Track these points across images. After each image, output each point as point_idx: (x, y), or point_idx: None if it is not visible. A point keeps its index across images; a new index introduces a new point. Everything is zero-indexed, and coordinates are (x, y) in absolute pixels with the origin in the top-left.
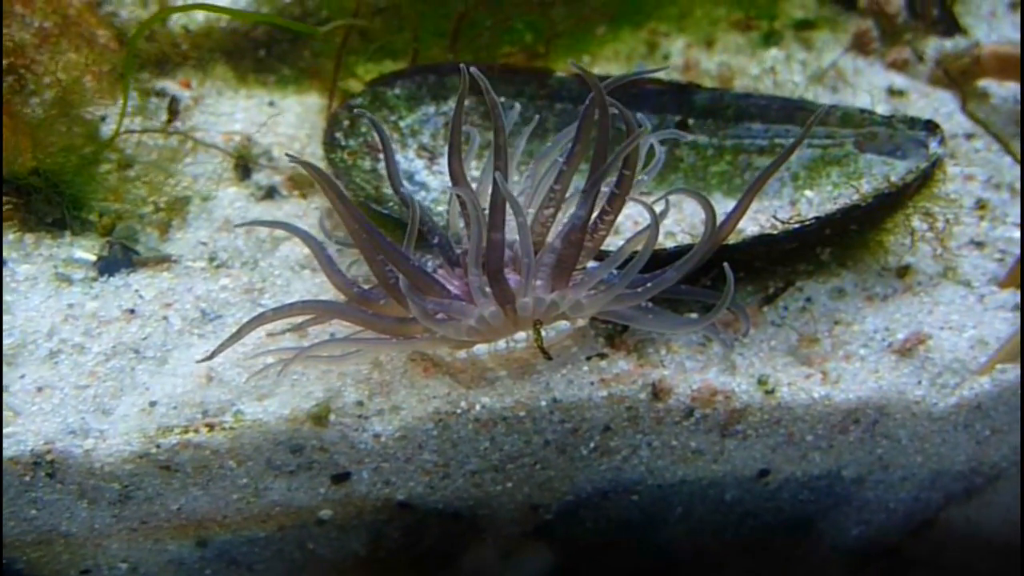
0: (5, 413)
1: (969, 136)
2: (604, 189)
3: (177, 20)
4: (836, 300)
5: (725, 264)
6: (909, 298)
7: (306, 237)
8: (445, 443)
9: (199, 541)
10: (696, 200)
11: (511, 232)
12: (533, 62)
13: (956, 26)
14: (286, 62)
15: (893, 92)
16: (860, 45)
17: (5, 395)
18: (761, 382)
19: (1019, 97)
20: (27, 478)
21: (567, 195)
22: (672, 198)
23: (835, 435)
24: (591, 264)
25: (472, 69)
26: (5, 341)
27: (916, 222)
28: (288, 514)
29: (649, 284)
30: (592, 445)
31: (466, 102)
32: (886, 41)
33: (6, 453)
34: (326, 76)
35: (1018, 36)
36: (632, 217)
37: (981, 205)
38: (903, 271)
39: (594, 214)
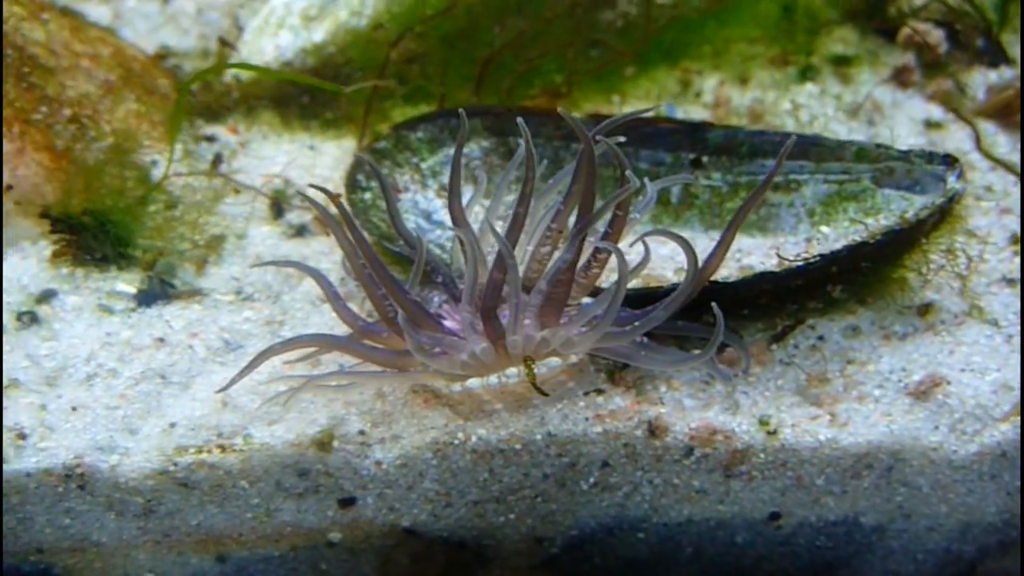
0: (42, 430)
1: (1009, 169)
2: (600, 227)
3: (231, 72)
4: (850, 339)
5: (713, 304)
6: (930, 337)
7: (314, 274)
8: (445, 472)
9: (219, 556)
10: (675, 241)
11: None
12: (557, 102)
13: (1003, 56)
14: (328, 107)
15: (931, 124)
16: (900, 78)
17: (44, 413)
18: (763, 422)
19: None
20: (60, 489)
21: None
22: (687, 234)
23: (847, 480)
24: (585, 300)
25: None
26: (48, 365)
27: (936, 257)
28: (300, 535)
29: (637, 323)
30: (592, 480)
31: (485, 143)
32: (927, 73)
33: (40, 465)
34: (360, 121)
35: None
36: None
37: (1015, 240)
38: (925, 309)
39: (585, 256)
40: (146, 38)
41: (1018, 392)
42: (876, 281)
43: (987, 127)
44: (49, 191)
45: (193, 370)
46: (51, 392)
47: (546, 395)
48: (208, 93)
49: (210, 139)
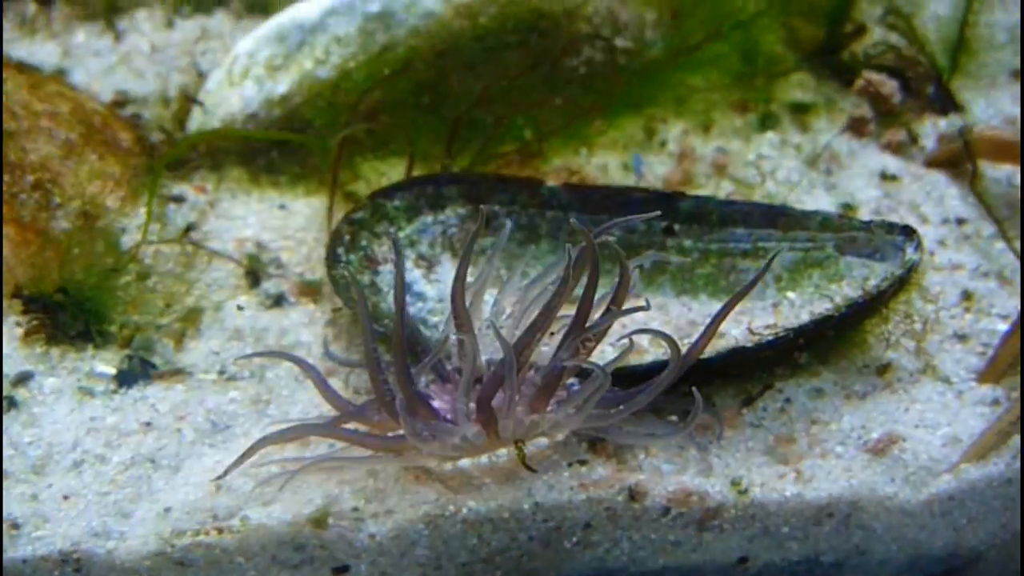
0: (36, 519)
1: (960, 221)
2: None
3: (194, 121)
4: (815, 399)
5: (694, 388)
6: (887, 395)
7: (301, 364)
8: (436, 540)
9: None
10: (661, 339)
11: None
12: (529, 160)
13: (952, 103)
14: (295, 161)
15: (886, 177)
16: (856, 127)
17: (35, 503)
18: (734, 483)
19: (1014, 180)
20: (56, 573)
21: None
22: (659, 299)
23: (810, 527)
24: (570, 381)
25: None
26: (34, 453)
27: (893, 325)
28: None
29: (622, 407)
30: (575, 539)
31: (462, 210)
32: (881, 122)
33: (37, 552)
34: (328, 180)
35: (1017, 110)
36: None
37: (967, 296)
38: (883, 368)
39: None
40: (100, 80)
41: (966, 443)
42: (838, 344)
43: (938, 177)
44: (15, 264)
45: (182, 453)
46: (41, 481)
47: (534, 471)
48: (172, 146)
49: (178, 200)
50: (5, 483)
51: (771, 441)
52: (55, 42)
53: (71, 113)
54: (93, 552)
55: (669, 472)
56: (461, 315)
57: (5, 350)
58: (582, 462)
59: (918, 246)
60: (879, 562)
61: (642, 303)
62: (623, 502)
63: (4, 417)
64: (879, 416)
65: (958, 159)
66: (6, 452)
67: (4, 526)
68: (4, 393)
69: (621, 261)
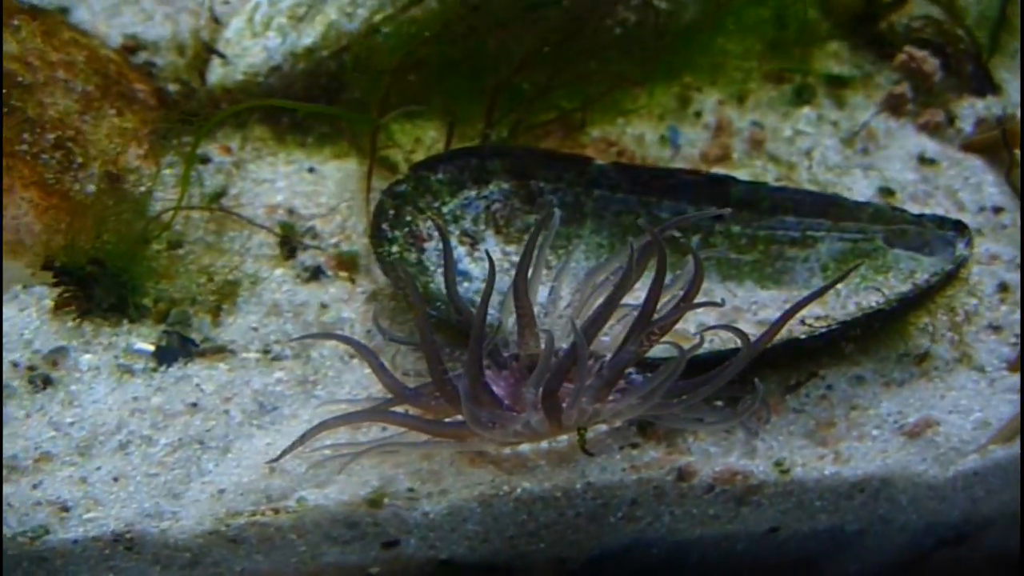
0: (87, 502)
1: (997, 210)
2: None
3: (215, 73)
4: (855, 387)
5: (756, 380)
6: (924, 383)
7: (359, 347)
8: (487, 517)
9: None
10: (734, 333)
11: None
12: (570, 131)
13: (990, 83)
14: (323, 121)
15: (924, 160)
16: (893, 105)
17: (85, 486)
18: (778, 464)
19: None
20: (107, 551)
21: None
22: (705, 285)
23: (841, 500)
24: (630, 370)
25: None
26: (78, 434)
27: (938, 316)
28: (340, 571)
29: (684, 397)
30: (620, 515)
31: (506, 186)
32: (919, 101)
33: (90, 534)
34: (362, 144)
35: None
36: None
37: (1004, 287)
38: (922, 357)
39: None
40: (106, 21)
41: (995, 426)
42: (880, 334)
43: (975, 163)
44: (41, 232)
45: (231, 435)
46: (88, 463)
47: (592, 455)
48: (192, 101)
49: (203, 160)
50: (50, 465)
51: (812, 425)
52: None
53: (87, 63)
54: (147, 532)
55: (716, 454)
56: (525, 307)
57: (35, 323)
58: (634, 445)
59: (969, 242)
60: (898, 528)
61: (717, 300)
62: (671, 481)
63: (40, 396)
64: (915, 402)
65: (996, 146)
66: (47, 433)
67: (53, 509)
68: (37, 370)
69: (695, 256)
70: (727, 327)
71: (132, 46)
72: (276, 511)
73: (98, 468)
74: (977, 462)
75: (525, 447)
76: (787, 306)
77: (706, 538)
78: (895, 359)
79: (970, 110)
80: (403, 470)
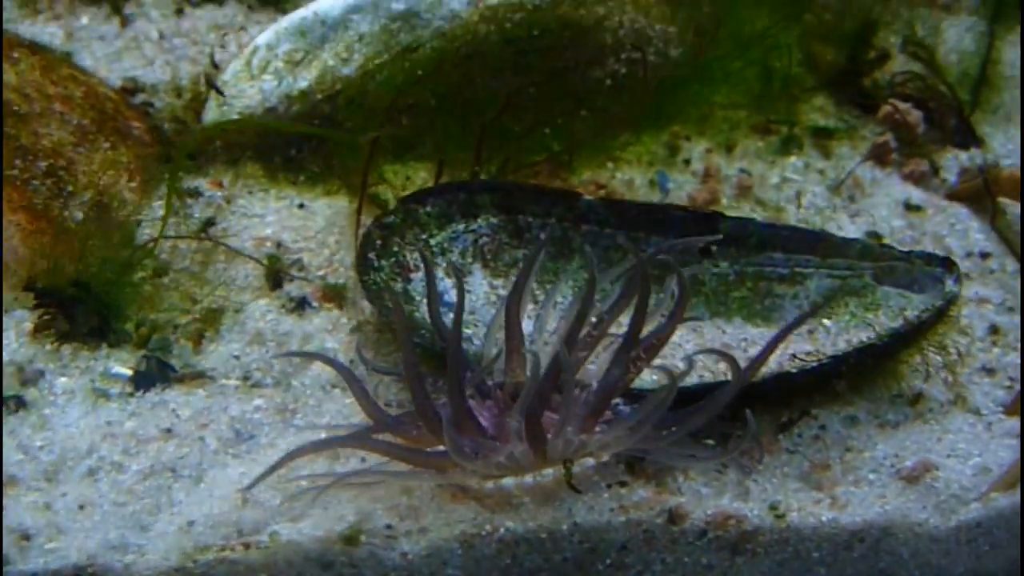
0: (50, 530)
1: (984, 255)
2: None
3: (210, 113)
4: (849, 428)
5: (747, 411)
6: (920, 426)
7: (341, 369)
8: (469, 560)
9: None
10: (722, 359)
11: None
12: (558, 171)
13: (973, 136)
14: (315, 161)
15: (910, 207)
16: (878, 155)
17: (49, 512)
18: (772, 507)
19: None
20: None
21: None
22: (690, 323)
23: (840, 552)
24: (615, 401)
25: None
26: (47, 458)
27: (930, 355)
28: None
29: (674, 428)
30: (608, 561)
31: (494, 220)
32: (904, 152)
33: (51, 567)
34: (352, 182)
35: None
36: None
37: (995, 330)
38: (916, 399)
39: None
40: (107, 66)
41: (995, 473)
42: (872, 374)
43: (961, 210)
44: (27, 255)
45: (205, 463)
46: (54, 489)
47: (579, 492)
48: (188, 137)
49: (193, 194)
50: (15, 490)
51: (806, 467)
52: (58, 23)
53: (84, 98)
54: (110, 566)
55: (708, 495)
56: (515, 332)
57: (13, 344)
58: (622, 483)
59: (958, 279)
60: None
61: (705, 334)
62: (662, 524)
63: (12, 418)
64: (912, 445)
65: (979, 195)
66: (15, 456)
67: (14, 537)
68: (12, 392)
69: (679, 275)
70: (717, 351)
71: (131, 88)
72: (247, 546)
73: (64, 495)
74: (980, 512)
75: (509, 481)
76: (779, 345)
77: None
78: (888, 400)
79: (953, 161)
80: (381, 505)
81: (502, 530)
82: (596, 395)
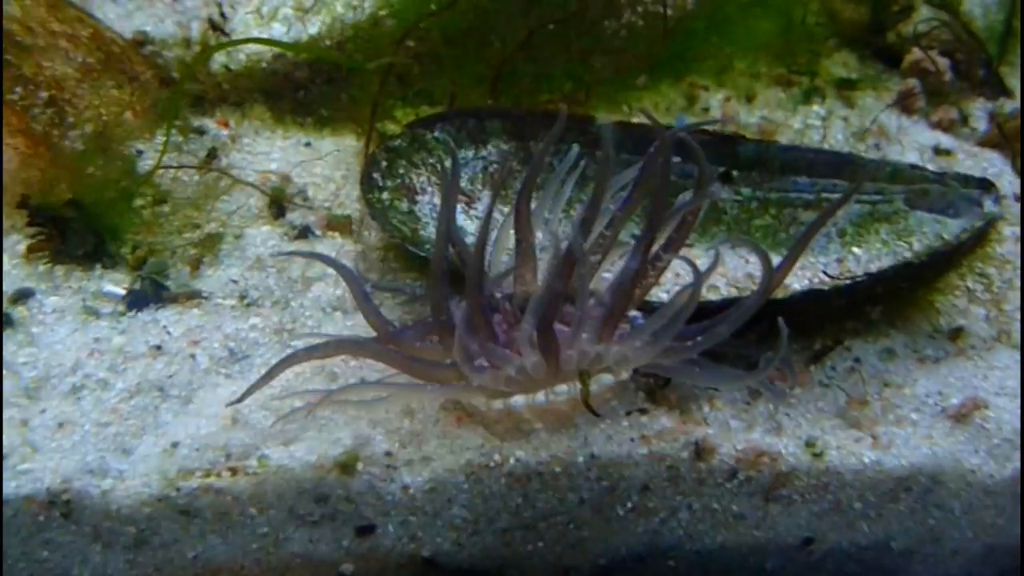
0: (25, 449)
1: (1019, 198)
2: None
3: (218, 59)
4: (886, 361)
5: (779, 318)
6: (962, 361)
7: (343, 270)
8: (476, 498)
9: None
10: (750, 249)
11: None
12: (574, 111)
13: (1002, 87)
14: (323, 104)
15: (939, 151)
16: (904, 103)
17: (26, 430)
18: (809, 444)
19: None
20: (41, 518)
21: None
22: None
23: (885, 503)
24: (633, 314)
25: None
26: (28, 374)
27: (969, 282)
28: (308, 567)
29: (700, 338)
30: (629, 505)
31: (504, 146)
32: (930, 100)
33: (21, 491)
34: (362, 118)
35: None
36: (674, 267)
37: None
38: (955, 334)
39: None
40: (118, 24)
41: None
42: (907, 304)
43: (994, 157)
44: (24, 179)
45: (195, 382)
46: (33, 407)
47: (597, 414)
48: (195, 82)
49: (199, 131)
50: None
51: (843, 402)
52: None
53: (90, 39)
54: (86, 492)
55: (737, 428)
56: (525, 235)
57: (6, 267)
58: (642, 411)
59: (997, 199)
60: (951, 551)
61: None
62: (688, 460)
63: None
64: (956, 381)
65: (1014, 138)
66: None
67: None
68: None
69: (699, 162)
70: (746, 240)
71: (141, 40)
72: (234, 471)
73: (43, 411)
74: None
75: (519, 402)
76: (804, 272)
77: (729, 548)
78: (926, 334)
79: (983, 110)
80: (381, 429)
81: (512, 461)
82: (612, 294)
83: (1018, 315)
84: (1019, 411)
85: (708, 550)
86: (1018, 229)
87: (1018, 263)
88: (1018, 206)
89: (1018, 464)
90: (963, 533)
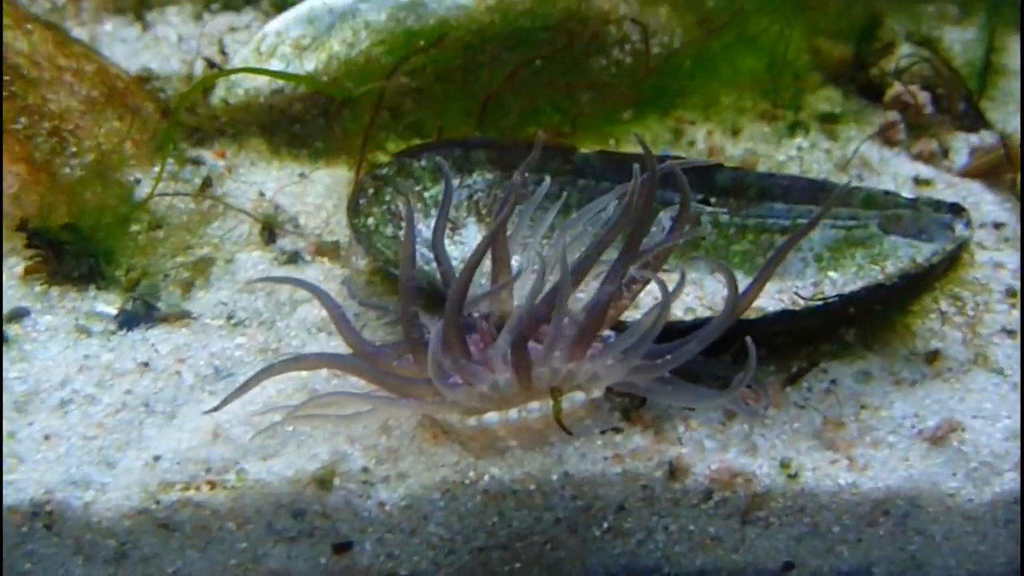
0: (10, 461)
1: (998, 225)
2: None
3: (218, 94)
4: (862, 383)
5: (747, 338)
6: (939, 384)
7: (320, 294)
8: (452, 515)
9: None
10: (717, 270)
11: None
12: (555, 139)
13: (982, 121)
14: (318, 136)
15: (919, 181)
16: (886, 135)
17: (12, 441)
18: (784, 465)
19: None
20: (24, 529)
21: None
22: (694, 275)
23: (863, 528)
24: (607, 334)
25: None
26: (19, 388)
27: (944, 306)
28: None
29: (669, 356)
30: (605, 526)
31: (489, 176)
32: (911, 133)
33: (6, 502)
34: (355, 149)
35: None
36: (651, 290)
37: (1012, 293)
38: (932, 356)
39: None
40: (124, 61)
41: None
42: (883, 327)
43: (973, 186)
44: (25, 204)
45: (180, 398)
46: (21, 419)
47: (570, 433)
48: (193, 116)
49: (196, 162)
50: None
51: (818, 424)
52: (82, 29)
53: (95, 74)
54: (68, 504)
55: (712, 448)
56: (501, 255)
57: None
58: (616, 430)
59: (968, 223)
60: None
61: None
62: (662, 479)
63: None
64: (932, 404)
65: (994, 169)
66: None
67: None
68: None
69: (682, 188)
70: (715, 263)
71: (144, 77)
72: (212, 485)
73: (30, 424)
74: (1016, 483)
75: (493, 419)
76: (783, 297)
77: (709, 572)
78: (902, 357)
79: (963, 143)
80: (358, 445)
81: (487, 478)
82: (586, 315)
83: (995, 339)
84: (997, 434)
85: (687, 574)
86: (994, 255)
87: (993, 287)
88: (996, 234)
89: (997, 489)
90: (946, 560)
